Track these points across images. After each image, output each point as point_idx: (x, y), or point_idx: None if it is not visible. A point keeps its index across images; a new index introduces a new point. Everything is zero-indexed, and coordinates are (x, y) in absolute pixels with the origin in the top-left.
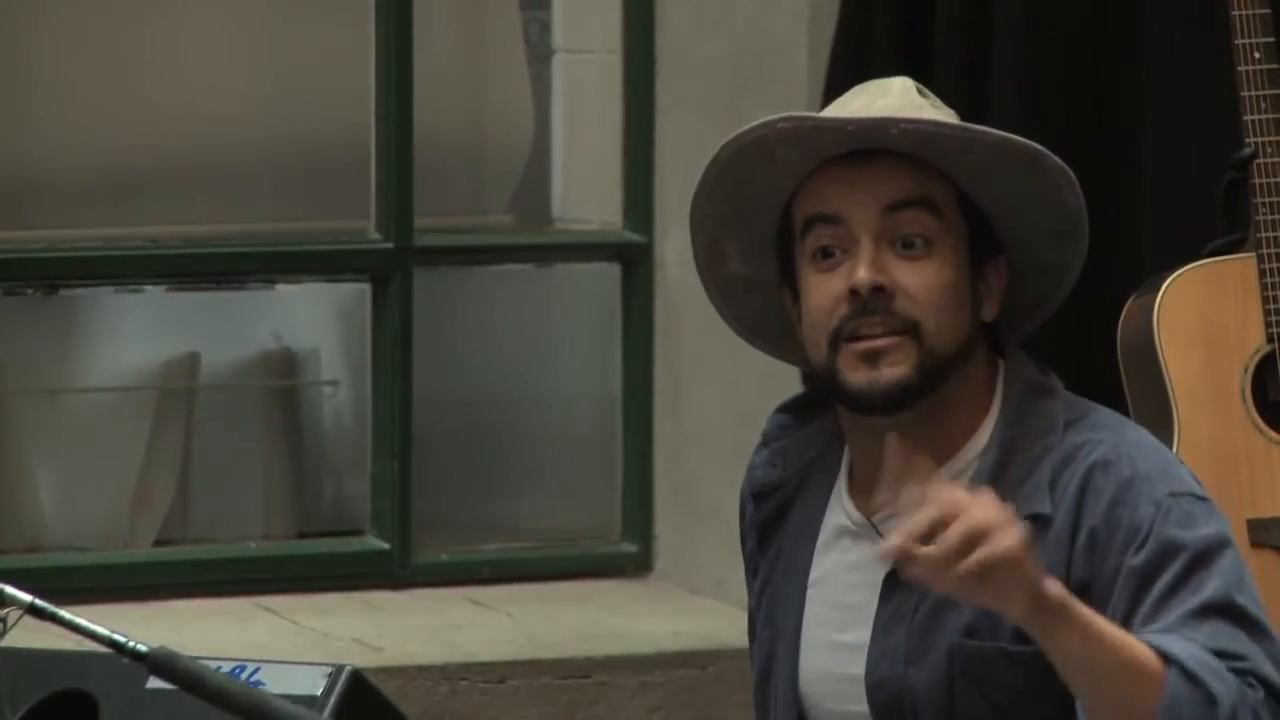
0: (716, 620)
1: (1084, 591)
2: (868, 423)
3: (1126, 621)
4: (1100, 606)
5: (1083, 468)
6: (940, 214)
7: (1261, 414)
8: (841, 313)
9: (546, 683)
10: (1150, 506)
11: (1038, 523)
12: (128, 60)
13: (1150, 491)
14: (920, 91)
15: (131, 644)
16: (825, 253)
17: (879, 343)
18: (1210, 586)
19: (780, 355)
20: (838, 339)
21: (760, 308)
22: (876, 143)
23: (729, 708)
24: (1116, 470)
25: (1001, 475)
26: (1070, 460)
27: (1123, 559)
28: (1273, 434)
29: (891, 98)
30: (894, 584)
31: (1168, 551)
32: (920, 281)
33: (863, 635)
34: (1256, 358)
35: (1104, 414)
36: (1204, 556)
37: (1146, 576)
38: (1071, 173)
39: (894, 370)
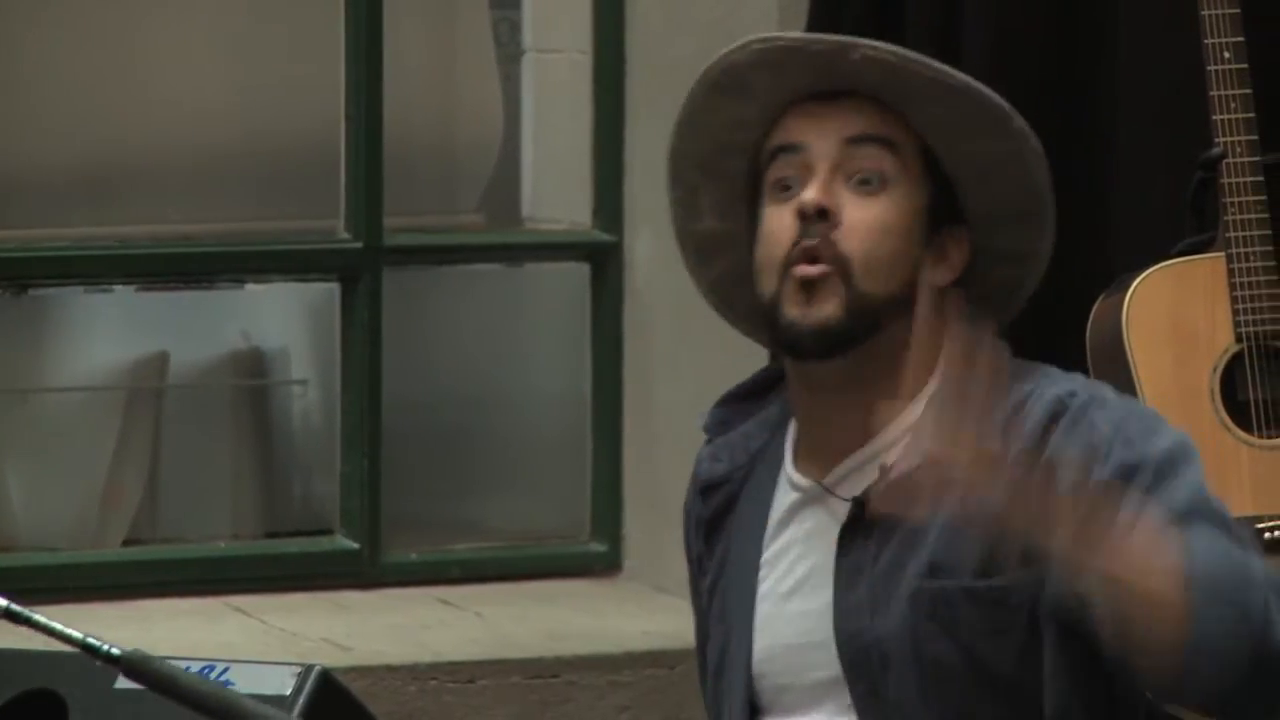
0: (685, 620)
1: None
2: (813, 378)
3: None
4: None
5: (1039, 407)
6: (900, 154)
7: (1230, 414)
8: (790, 237)
9: (515, 682)
10: (1107, 426)
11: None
12: (98, 61)
13: (1106, 414)
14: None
15: (105, 647)
16: (784, 185)
17: (813, 270)
18: (1182, 493)
19: (749, 330)
20: (786, 266)
21: (733, 270)
22: (842, 75)
23: (698, 708)
24: (1073, 400)
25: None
26: (1024, 403)
27: (1084, 476)
28: (1242, 434)
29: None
30: (850, 537)
31: (1131, 467)
32: (864, 217)
33: (821, 599)
34: (1226, 358)
35: (1051, 368)
36: (1169, 464)
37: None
38: (1038, 141)
39: (823, 307)
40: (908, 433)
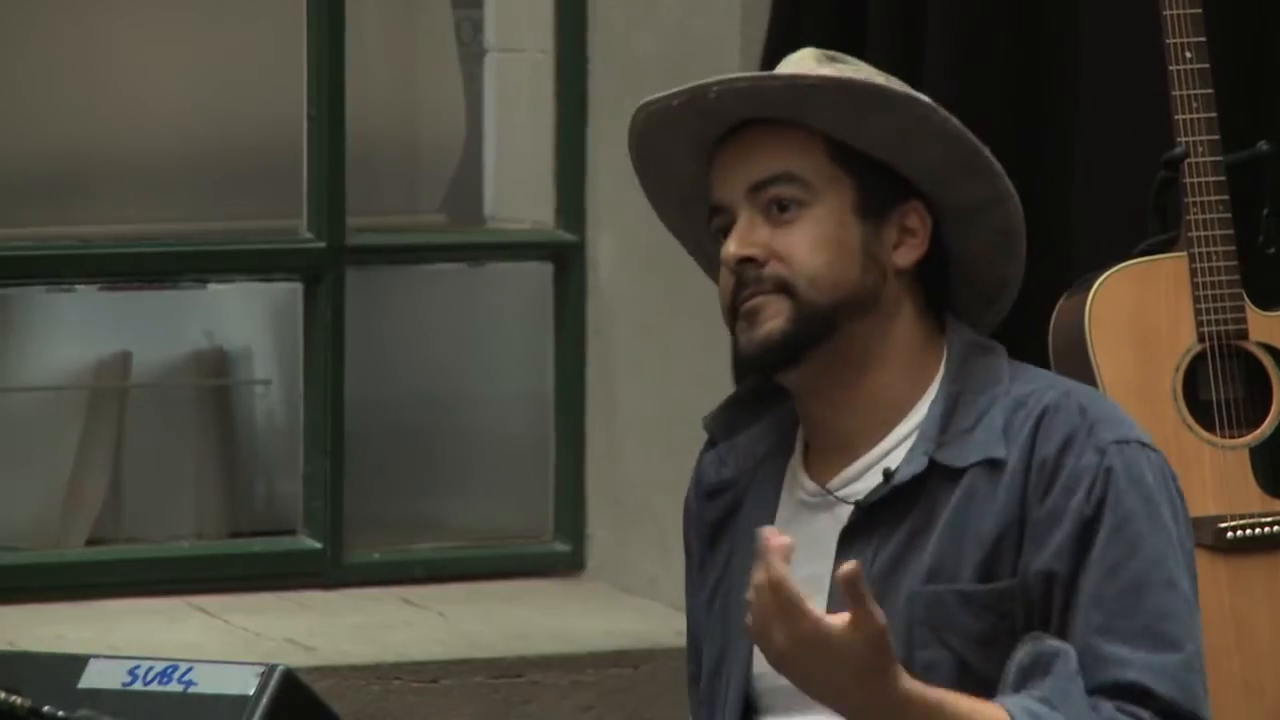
0: (649, 620)
1: (1020, 528)
2: (794, 387)
3: (1053, 579)
4: (1032, 544)
5: (1035, 412)
6: (804, 182)
7: (1193, 413)
8: (729, 286)
9: (479, 682)
10: (1094, 455)
11: (994, 468)
12: (60, 60)
13: (1095, 439)
14: (826, 58)
15: (52, 711)
16: (725, 232)
17: (753, 302)
18: (1135, 564)
19: None
20: (733, 311)
21: (708, 243)
22: (719, 115)
23: (661, 707)
24: (1067, 413)
25: (948, 425)
26: (1021, 406)
27: (1064, 503)
28: (1204, 433)
29: (787, 67)
30: (851, 540)
31: (1100, 513)
32: (789, 243)
33: (818, 604)
34: (1188, 357)
35: (1045, 372)
36: (1130, 522)
37: (1082, 539)
38: (927, 102)
39: (768, 324)
40: (913, 433)
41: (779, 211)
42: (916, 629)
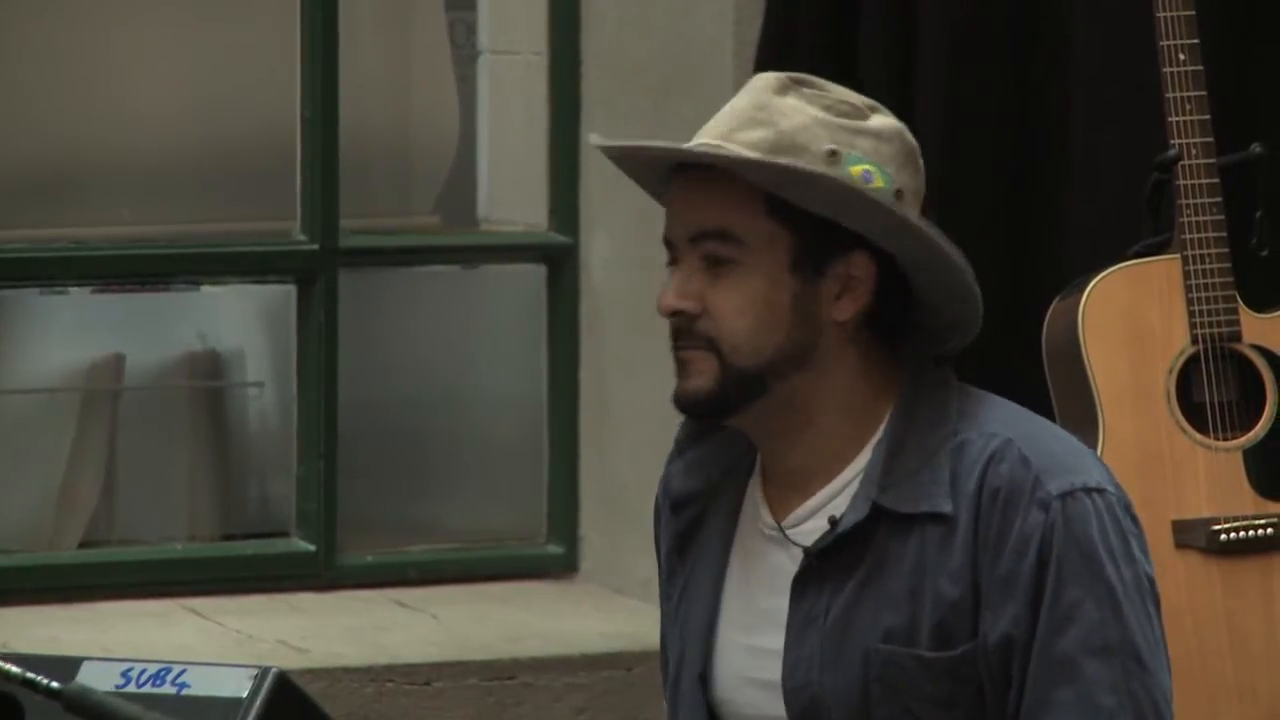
0: (642, 621)
1: (975, 592)
2: (740, 428)
3: (1013, 644)
4: (988, 610)
5: (979, 466)
6: (738, 240)
7: (1186, 416)
8: (669, 323)
9: (472, 684)
10: (1039, 513)
11: (945, 525)
12: (54, 63)
13: (1040, 493)
14: (790, 84)
15: (46, 682)
16: (675, 265)
17: (684, 354)
18: (1066, 639)
19: None
20: (672, 343)
21: None
22: (662, 164)
23: (655, 709)
24: (1011, 464)
25: (892, 467)
26: (966, 456)
27: (1015, 567)
28: (1197, 435)
29: (743, 98)
30: (803, 587)
31: (1044, 579)
32: (720, 300)
33: (776, 640)
34: (1181, 359)
35: (997, 405)
36: (1066, 590)
37: (1034, 605)
38: (859, 190)
39: (694, 382)
40: (856, 477)
41: (713, 265)
42: (873, 686)
